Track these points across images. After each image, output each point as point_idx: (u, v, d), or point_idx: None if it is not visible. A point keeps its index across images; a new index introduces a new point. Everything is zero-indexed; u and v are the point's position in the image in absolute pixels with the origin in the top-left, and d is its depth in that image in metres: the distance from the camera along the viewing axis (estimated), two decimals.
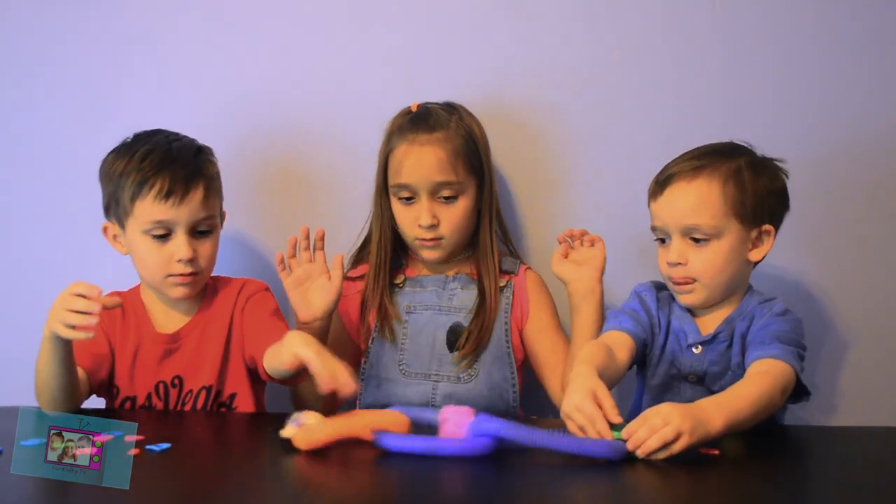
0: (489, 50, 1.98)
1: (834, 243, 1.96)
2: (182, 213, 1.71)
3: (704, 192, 1.61)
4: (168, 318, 1.79)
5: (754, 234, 1.64)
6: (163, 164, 1.71)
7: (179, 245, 1.71)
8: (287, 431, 1.41)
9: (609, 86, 1.96)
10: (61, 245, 2.05)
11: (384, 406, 1.80)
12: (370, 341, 1.86)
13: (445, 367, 1.83)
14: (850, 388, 1.96)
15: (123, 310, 1.77)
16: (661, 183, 1.65)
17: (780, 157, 1.69)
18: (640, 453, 1.35)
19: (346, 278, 1.83)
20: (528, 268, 1.92)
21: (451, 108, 1.87)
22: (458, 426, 1.38)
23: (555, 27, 1.97)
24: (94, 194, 1.79)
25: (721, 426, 1.39)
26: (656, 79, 1.95)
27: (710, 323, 1.68)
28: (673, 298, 1.71)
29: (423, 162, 1.79)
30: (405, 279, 1.89)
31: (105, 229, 1.77)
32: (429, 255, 1.85)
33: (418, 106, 1.86)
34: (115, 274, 1.81)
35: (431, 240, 1.83)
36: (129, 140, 1.78)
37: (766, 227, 1.65)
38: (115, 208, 1.74)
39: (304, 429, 1.40)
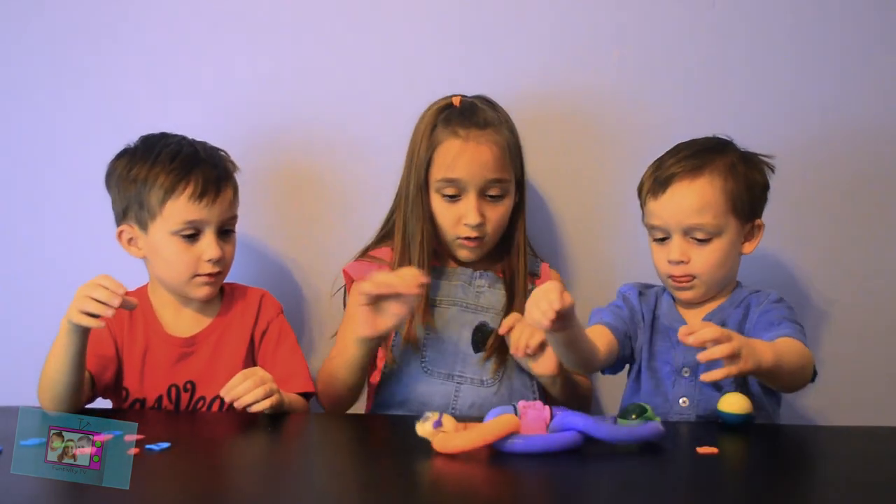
0: (503, 49, 1.97)
1: (834, 245, 1.97)
2: (214, 213, 1.71)
3: (707, 191, 1.64)
4: (179, 321, 1.78)
5: (747, 228, 1.68)
6: (194, 165, 1.71)
7: (209, 244, 1.71)
8: (424, 430, 1.37)
9: (617, 86, 1.97)
10: (62, 246, 2.05)
11: (401, 402, 1.77)
12: (393, 336, 1.78)
13: (469, 369, 1.78)
14: (850, 388, 1.96)
15: (130, 311, 1.74)
16: (662, 182, 1.66)
17: (768, 154, 1.71)
18: (701, 357, 1.39)
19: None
20: (549, 266, 1.89)
21: (490, 103, 1.79)
22: (536, 420, 1.36)
23: (558, 27, 1.97)
24: (95, 196, 1.79)
25: (771, 359, 1.44)
26: (660, 79, 1.96)
27: (699, 316, 1.69)
28: (661, 294, 1.73)
29: (478, 158, 1.73)
30: (430, 268, 1.79)
31: (120, 234, 1.75)
32: (467, 254, 1.80)
33: (461, 99, 1.79)
34: (117, 274, 1.80)
35: (475, 239, 1.77)
36: (137, 144, 1.76)
37: (759, 221, 1.69)
38: (136, 211, 1.72)
39: (445, 434, 1.36)
